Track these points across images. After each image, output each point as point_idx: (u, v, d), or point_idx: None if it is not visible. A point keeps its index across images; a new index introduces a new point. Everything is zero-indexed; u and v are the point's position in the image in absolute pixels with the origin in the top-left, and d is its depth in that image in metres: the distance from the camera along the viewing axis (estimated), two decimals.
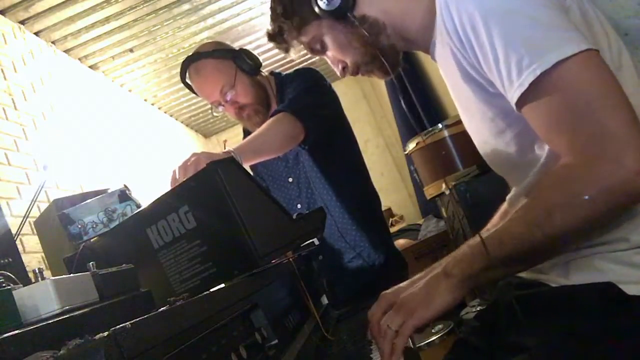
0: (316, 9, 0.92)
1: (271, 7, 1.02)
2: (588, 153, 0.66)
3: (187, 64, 1.56)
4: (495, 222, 1.04)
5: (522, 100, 0.71)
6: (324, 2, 0.91)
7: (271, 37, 1.05)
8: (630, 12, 0.92)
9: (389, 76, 0.97)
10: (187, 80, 1.59)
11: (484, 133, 0.88)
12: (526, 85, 0.69)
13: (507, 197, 1.01)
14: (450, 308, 0.77)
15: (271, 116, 1.42)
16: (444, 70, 0.91)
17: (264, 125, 1.38)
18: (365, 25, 0.91)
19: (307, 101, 1.48)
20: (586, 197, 0.65)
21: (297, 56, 1.09)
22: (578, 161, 0.67)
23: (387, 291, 0.88)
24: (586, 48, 0.67)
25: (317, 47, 0.99)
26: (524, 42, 0.69)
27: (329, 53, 1.00)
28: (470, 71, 0.79)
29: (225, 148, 1.25)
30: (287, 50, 1.06)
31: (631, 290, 0.70)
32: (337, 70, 1.00)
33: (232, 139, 1.30)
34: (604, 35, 0.78)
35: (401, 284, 0.88)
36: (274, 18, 1.02)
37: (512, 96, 0.72)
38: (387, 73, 0.96)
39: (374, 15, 0.91)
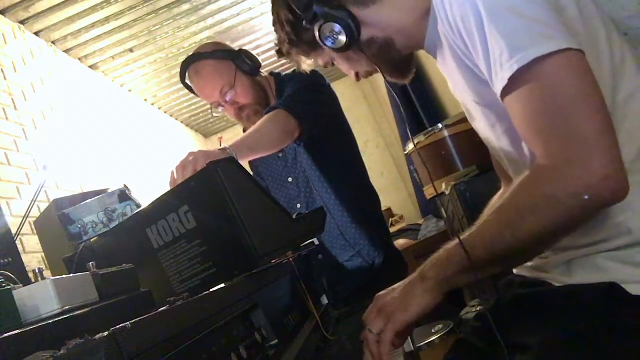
0: (323, 47, 0.90)
1: (275, 30, 0.99)
2: (559, 156, 0.66)
3: (187, 65, 1.57)
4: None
5: (504, 94, 0.71)
6: (330, 42, 0.87)
7: (281, 55, 1.02)
8: (631, 12, 0.92)
9: (404, 80, 0.97)
10: (187, 81, 1.59)
11: (482, 122, 0.88)
12: (506, 79, 0.68)
13: (495, 196, 1.01)
14: (428, 310, 0.77)
15: (266, 113, 1.42)
16: (440, 60, 0.90)
17: (259, 122, 1.38)
18: (374, 48, 0.88)
19: (303, 98, 1.48)
20: (555, 200, 0.65)
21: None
22: (549, 163, 0.67)
23: (381, 293, 0.87)
24: (567, 47, 0.65)
25: (329, 65, 0.99)
26: (508, 35, 0.67)
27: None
28: (464, 59, 0.78)
29: (220, 145, 1.25)
30: (299, 68, 1.04)
31: (634, 290, 0.69)
32: (352, 77, 0.99)
33: (231, 140, 1.29)
34: (603, 33, 0.76)
35: (395, 286, 0.87)
36: (281, 41, 0.98)
37: (497, 88, 0.71)
38: (401, 79, 0.96)
39: (381, 36, 0.88)
